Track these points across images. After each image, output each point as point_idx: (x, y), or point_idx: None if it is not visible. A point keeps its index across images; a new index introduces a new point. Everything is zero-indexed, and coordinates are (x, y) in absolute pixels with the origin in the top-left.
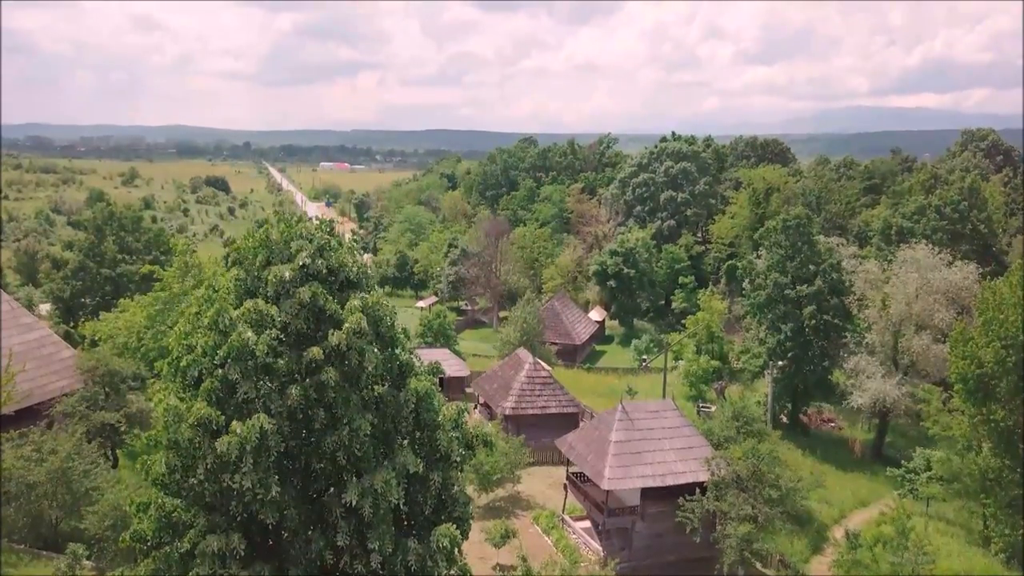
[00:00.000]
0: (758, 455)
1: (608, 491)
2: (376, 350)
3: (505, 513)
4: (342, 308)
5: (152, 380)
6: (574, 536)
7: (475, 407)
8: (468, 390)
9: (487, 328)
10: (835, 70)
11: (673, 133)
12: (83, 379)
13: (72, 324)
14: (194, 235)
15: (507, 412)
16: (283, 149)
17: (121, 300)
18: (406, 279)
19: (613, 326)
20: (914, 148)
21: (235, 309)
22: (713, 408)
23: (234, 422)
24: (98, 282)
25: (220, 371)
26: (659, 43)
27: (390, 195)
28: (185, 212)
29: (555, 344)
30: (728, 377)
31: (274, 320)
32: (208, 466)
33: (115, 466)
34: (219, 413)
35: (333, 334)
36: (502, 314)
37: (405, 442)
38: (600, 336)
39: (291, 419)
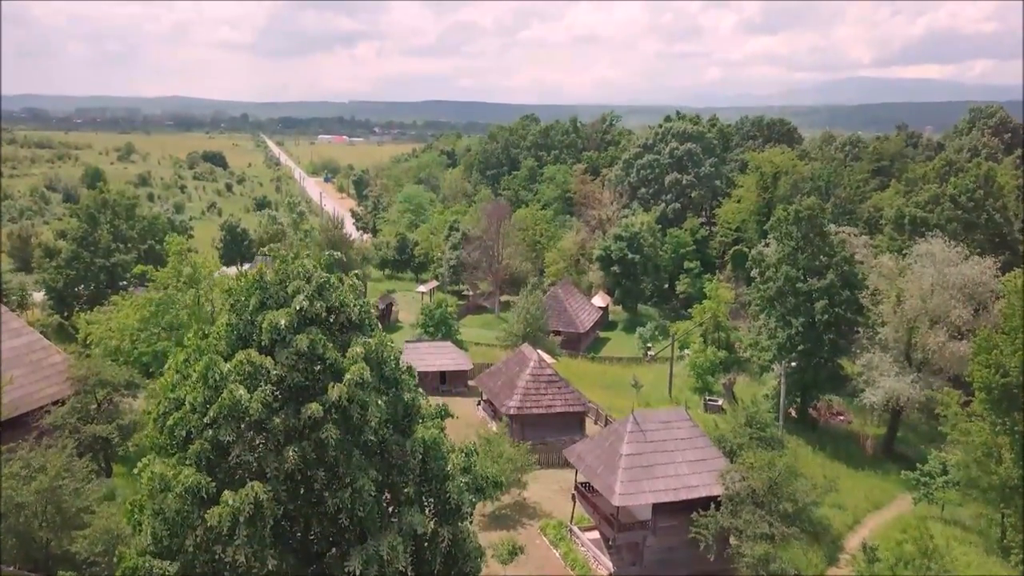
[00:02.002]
0: (774, 469)
1: (619, 506)
2: (380, 402)
3: (511, 522)
4: (343, 354)
5: (147, 382)
6: (583, 548)
7: (478, 403)
8: (471, 383)
9: (489, 313)
10: (838, 40)
11: (678, 112)
12: (74, 388)
13: (66, 314)
14: (190, 219)
15: (512, 412)
16: (281, 121)
17: (114, 297)
18: (406, 262)
19: (617, 311)
20: (917, 120)
21: (226, 361)
22: (721, 401)
23: (226, 492)
24: (92, 272)
25: (210, 431)
26: (660, 12)
27: (389, 172)
28: (182, 189)
29: (558, 333)
30: (736, 370)
31: (269, 373)
32: (198, 538)
33: (109, 475)
34: (209, 480)
35: (333, 387)
36: (503, 298)
37: (411, 491)
38: (604, 322)
39: (289, 481)
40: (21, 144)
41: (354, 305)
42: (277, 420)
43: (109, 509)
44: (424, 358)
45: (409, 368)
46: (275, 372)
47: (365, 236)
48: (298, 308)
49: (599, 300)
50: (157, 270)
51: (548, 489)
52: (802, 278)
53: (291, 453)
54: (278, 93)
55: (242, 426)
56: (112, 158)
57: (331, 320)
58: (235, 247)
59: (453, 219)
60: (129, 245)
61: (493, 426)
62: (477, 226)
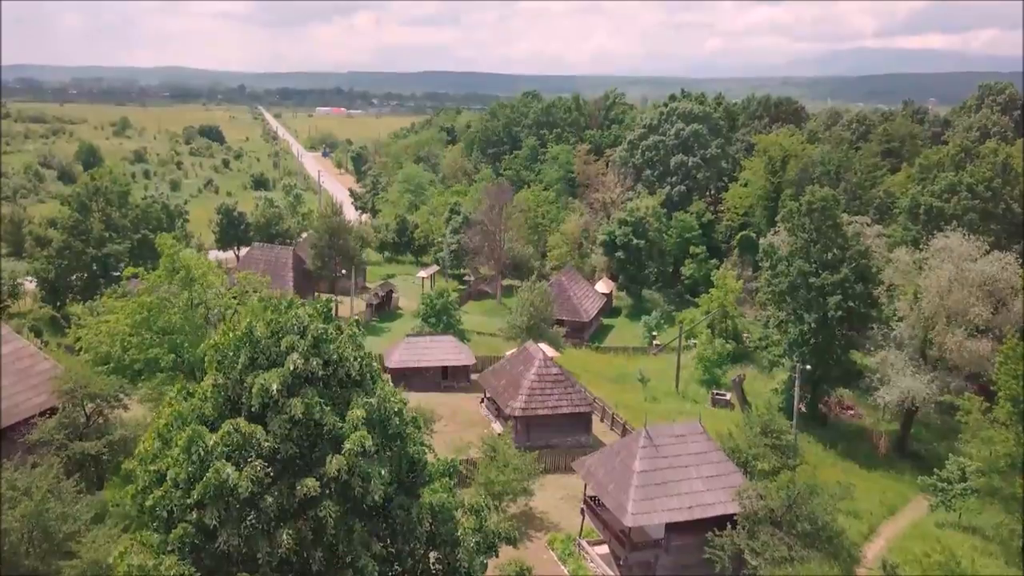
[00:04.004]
0: (793, 488)
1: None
2: (383, 471)
3: (518, 534)
4: (342, 414)
5: (141, 385)
6: (592, 565)
7: (481, 401)
8: (474, 377)
9: (491, 299)
10: (841, 10)
11: (682, 91)
12: (61, 401)
13: (58, 305)
14: (186, 201)
15: (517, 413)
16: (279, 92)
17: (106, 298)
18: (406, 245)
19: (621, 297)
20: (920, 91)
21: (213, 427)
22: (729, 396)
23: None
24: (84, 262)
25: (195, 514)
26: None
27: (388, 149)
28: (179, 165)
29: (562, 323)
30: (744, 362)
31: (260, 444)
32: None
33: (100, 487)
34: (194, 570)
35: (332, 460)
36: (505, 283)
37: (418, 556)
38: (608, 309)
39: (283, 565)
40: (15, 118)
41: (354, 359)
42: (269, 499)
43: (99, 534)
44: (425, 353)
45: (415, 419)
46: (267, 444)
47: (364, 216)
48: (292, 368)
49: (602, 286)
50: (148, 272)
51: (555, 497)
52: (815, 272)
53: (285, 537)
54: (276, 63)
55: (230, 503)
56: (107, 133)
57: (329, 371)
58: (232, 231)
59: (454, 201)
60: (121, 235)
61: (496, 426)
62: (478, 208)
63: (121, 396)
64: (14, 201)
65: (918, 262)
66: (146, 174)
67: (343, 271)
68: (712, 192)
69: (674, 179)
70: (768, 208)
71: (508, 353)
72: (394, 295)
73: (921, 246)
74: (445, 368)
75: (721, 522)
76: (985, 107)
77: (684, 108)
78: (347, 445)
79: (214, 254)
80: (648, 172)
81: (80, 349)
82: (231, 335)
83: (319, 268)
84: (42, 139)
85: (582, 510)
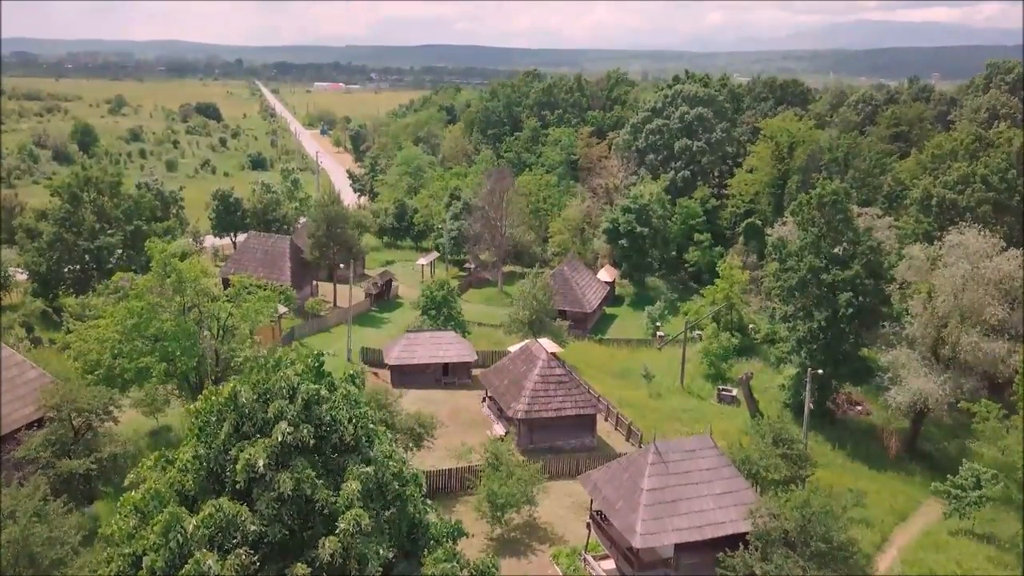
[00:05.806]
0: (808, 508)
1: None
2: (380, 550)
3: (521, 547)
4: (336, 488)
5: (135, 388)
6: None
7: (483, 400)
8: (476, 373)
9: (492, 287)
10: None
11: (687, 72)
12: (48, 417)
13: (51, 297)
14: (181, 188)
15: (520, 416)
16: (276, 66)
17: (95, 299)
18: (406, 229)
19: (623, 285)
20: (923, 65)
21: (193, 504)
22: (735, 392)
23: None
24: (76, 254)
25: None
26: None
27: (387, 130)
28: (175, 144)
29: (564, 314)
30: (749, 355)
31: (246, 526)
32: None
33: (91, 502)
34: None
35: (325, 544)
36: (507, 269)
37: None
38: (610, 298)
39: None
40: (9, 95)
41: (348, 421)
42: None
43: (88, 560)
44: (425, 349)
45: (415, 476)
46: (253, 528)
47: (363, 199)
48: (280, 439)
49: (605, 274)
50: (137, 275)
51: (560, 506)
52: (825, 268)
53: None
54: (273, 37)
55: None
56: (103, 111)
57: (321, 437)
58: (228, 217)
59: (454, 186)
60: (113, 226)
61: (498, 427)
62: (478, 193)
63: (111, 408)
64: (8, 183)
65: (931, 257)
66: (142, 153)
67: (342, 265)
68: (717, 177)
69: (678, 164)
70: (774, 195)
71: (511, 348)
72: (394, 284)
73: (934, 240)
74: (446, 364)
75: (732, 540)
76: (993, 87)
77: (688, 91)
78: (342, 524)
79: (210, 240)
80: (652, 156)
81: (69, 356)
82: (213, 400)
83: (317, 258)
84: (37, 117)
85: (588, 524)
